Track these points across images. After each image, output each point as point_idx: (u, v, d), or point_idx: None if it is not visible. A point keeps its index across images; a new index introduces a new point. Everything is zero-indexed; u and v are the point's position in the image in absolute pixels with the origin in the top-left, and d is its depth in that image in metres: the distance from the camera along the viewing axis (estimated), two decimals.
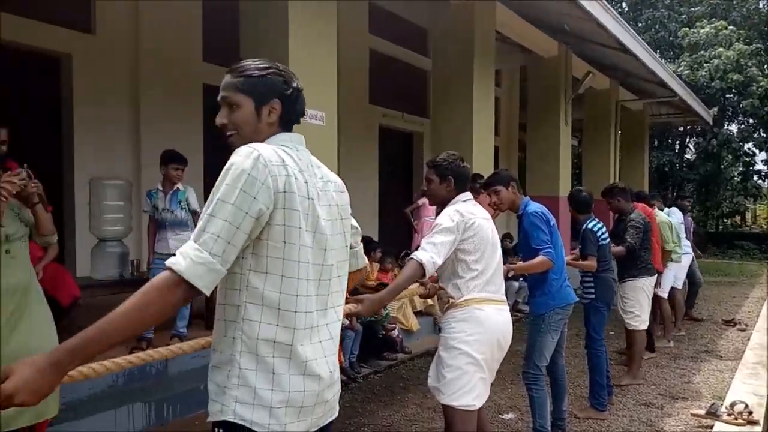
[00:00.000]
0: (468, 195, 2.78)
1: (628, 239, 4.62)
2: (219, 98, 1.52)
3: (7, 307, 2.63)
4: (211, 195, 1.34)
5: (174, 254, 4.08)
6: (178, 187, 4.37)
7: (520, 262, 3.46)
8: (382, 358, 5.22)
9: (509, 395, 4.55)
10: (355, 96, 8.60)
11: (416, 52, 10.50)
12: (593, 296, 4.19)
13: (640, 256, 4.72)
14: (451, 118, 7.36)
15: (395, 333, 5.42)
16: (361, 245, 1.88)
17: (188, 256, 1.27)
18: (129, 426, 3.48)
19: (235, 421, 1.37)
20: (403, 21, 10.04)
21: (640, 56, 8.74)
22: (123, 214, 5.37)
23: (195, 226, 4.06)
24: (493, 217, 3.02)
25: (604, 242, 4.16)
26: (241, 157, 1.35)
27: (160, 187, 4.39)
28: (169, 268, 1.27)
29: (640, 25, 20.02)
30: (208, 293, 1.31)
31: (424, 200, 6.58)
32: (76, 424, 3.26)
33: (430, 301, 5.91)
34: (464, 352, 2.58)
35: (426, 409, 4.23)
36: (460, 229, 2.60)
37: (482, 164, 7.05)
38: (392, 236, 8.78)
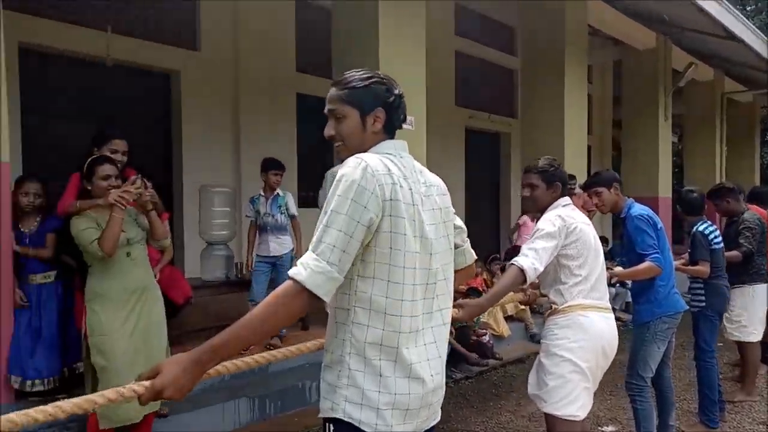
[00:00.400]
0: (567, 200, 2.74)
1: (744, 243, 4.27)
2: (326, 110, 1.59)
3: (129, 306, 2.90)
4: (324, 206, 1.42)
5: (275, 256, 4.30)
6: (278, 193, 4.62)
7: (618, 268, 3.32)
8: (473, 364, 5.18)
9: (608, 407, 4.36)
10: (441, 99, 8.59)
11: (503, 52, 10.34)
12: (703, 304, 3.93)
13: (753, 261, 4.36)
14: (542, 117, 7.17)
15: (486, 338, 5.36)
16: (468, 241, 1.87)
17: (308, 266, 1.35)
18: (236, 420, 3.71)
19: (345, 419, 1.44)
20: (489, 20, 9.92)
21: (750, 43, 8.07)
22: (228, 219, 5.73)
23: (293, 229, 4.30)
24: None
25: (716, 246, 3.89)
26: (351, 169, 1.41)
27: (262, 193, 4.65)
28: (292, 278, 1.35)
29: (749, 8, 18.43)
30: (328, 300, 1.38)
31: (524, 219, 6.39)
32: (191, 416, 3.53)
33: (521, 306, 5.79)
34: (567, 359, 2.52)
35: (520, 417, 4.15)
36: (562, 234, 2.56)
37: (575, 164, 6.82)
38: (479, 239, 8.66)
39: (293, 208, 4.70)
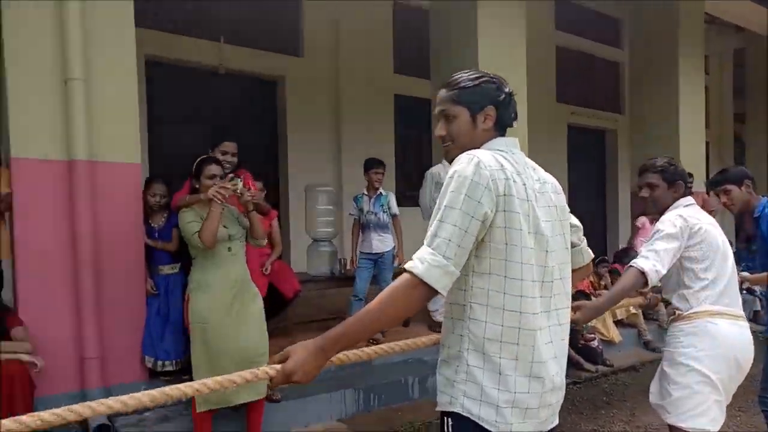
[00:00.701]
0: (690, 200, 2.57)
1: None
2: (436, 112, 1.61)
3: (228, 296, 3.07)
4: (437, 202, 1.43)
5: (377, 253, 4.37)
6: (380, 192, 4.73)
7: (744, 273, 3.04)
8: (581, 369, 4.95)
9: (737, 423, 3.99)
10: (541, 96, 8.35)
11: (607, 45, 9.86)
12: None
13: None
14: (653, 113, 6.76)
15: (595, 343, 5.11)
16: (585, 240, 1.82)
17: (425, 260, 1.36)
18: (342, 410, 3.81)
19: (463, 413, 1.43)
20: (592, 13, 9.50)
21: None
22: (332, 217, 5.97)
23: (394, 228, 4.36)
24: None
25: None
26: (463, 165, 1.41)
27: (365, 192, 4.77)
28: (409, 271, 1.37)
29: None
30: (444, 294, 1.38)
31: (643, 220, 6.03)
32: (300, 403, 3.68)
33: (633, 310, 5.46)
34: (694, 369, 2.34)
35: (635, 428, 3.91)
36: (685, 235, 2.39)
37: (691, 161, 6.36)
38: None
39: (395, 207, 4.78)
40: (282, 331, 4.32)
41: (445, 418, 1.50)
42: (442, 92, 1.59)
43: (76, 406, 1.30)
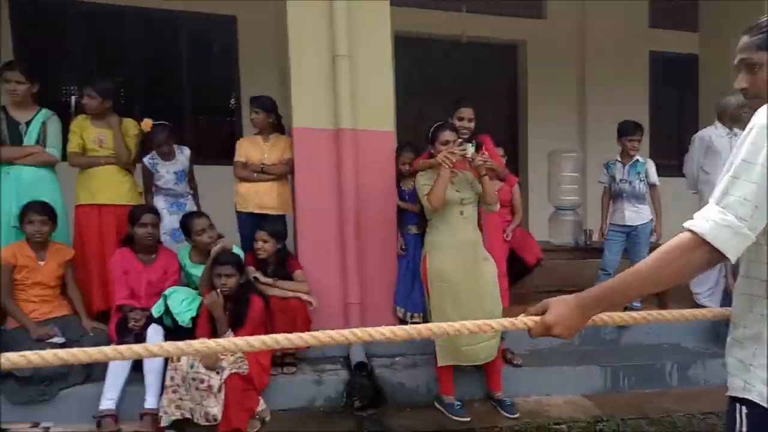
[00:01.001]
0: None
1: None
2: (736, 61, 1.39)
3: (460, 258, 3.14)
4: (731, 157, 1.22)
5: (630, 226, 3.96)
6: (637, 159, 4.31)
7: None
8: None
9: None
10: None
11: None
12: None
13: None
14: None
15: None
16: None
17: (711, 219, 1.17)
18: (587, 385, 3.64)
19: (763, 403, 1.23)
20: None
21: None
22: (577, 184, 5.69)
23: (651, 199, 3.87)
24: None
25: None
26: (766, 116, 1.17)
27: (619, 159, 4.39)
28: (689, 230, 1.20)
29: None
30: (733, 260, 1.18)
31: None
32: (540, 372, 3.63)
33: None
34: None
35: None
36: None
37: None
38: None
39: (654, 176, 4.31)
40: (522, 298, 4.27)
41: (737, 404, 1.30)
42: (744, 38, 1.38)
43: (356, 330, 1.45)
